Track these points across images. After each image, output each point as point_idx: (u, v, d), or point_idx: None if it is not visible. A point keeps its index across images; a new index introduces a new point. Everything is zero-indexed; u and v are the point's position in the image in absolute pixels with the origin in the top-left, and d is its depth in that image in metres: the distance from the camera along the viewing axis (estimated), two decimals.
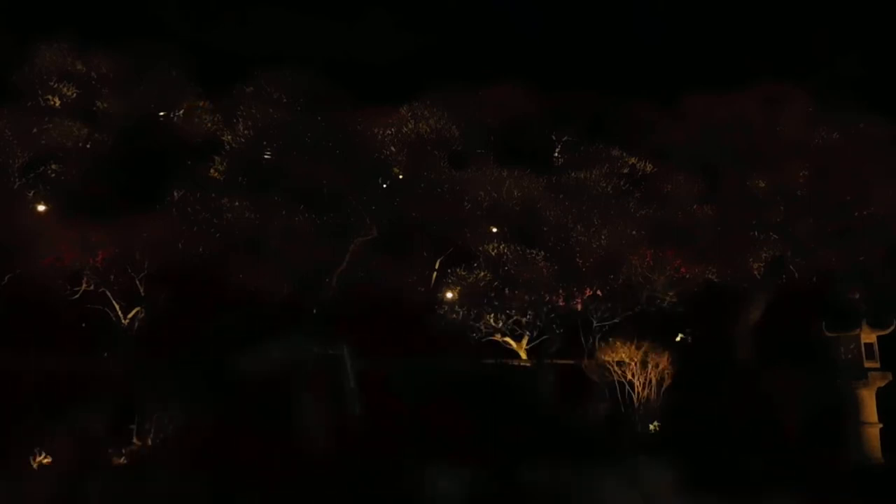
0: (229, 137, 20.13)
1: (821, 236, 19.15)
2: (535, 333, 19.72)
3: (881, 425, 17.57)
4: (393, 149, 20.10)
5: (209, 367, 16.10)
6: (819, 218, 19.24)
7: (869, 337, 17.75)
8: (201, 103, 21.03)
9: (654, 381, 17.43)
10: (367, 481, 13.56)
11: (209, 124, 20.92)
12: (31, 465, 13.44)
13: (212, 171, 19.74)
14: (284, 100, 20.37)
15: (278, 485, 13.28)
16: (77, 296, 17.44)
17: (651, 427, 17.41)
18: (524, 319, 19.32)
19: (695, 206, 19.87)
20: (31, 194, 18.82)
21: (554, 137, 24.40)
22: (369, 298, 18.85)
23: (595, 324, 19.52)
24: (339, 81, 20.99)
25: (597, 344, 19.01)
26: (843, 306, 19.06)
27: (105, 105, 20.42)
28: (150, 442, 14.65)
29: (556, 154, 24.30)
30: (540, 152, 23.63)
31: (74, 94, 20.25)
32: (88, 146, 19.73)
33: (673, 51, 34.73)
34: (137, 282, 17.70)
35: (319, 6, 32.85)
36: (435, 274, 21.14)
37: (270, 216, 18.29)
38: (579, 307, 19.56)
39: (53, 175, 19.26)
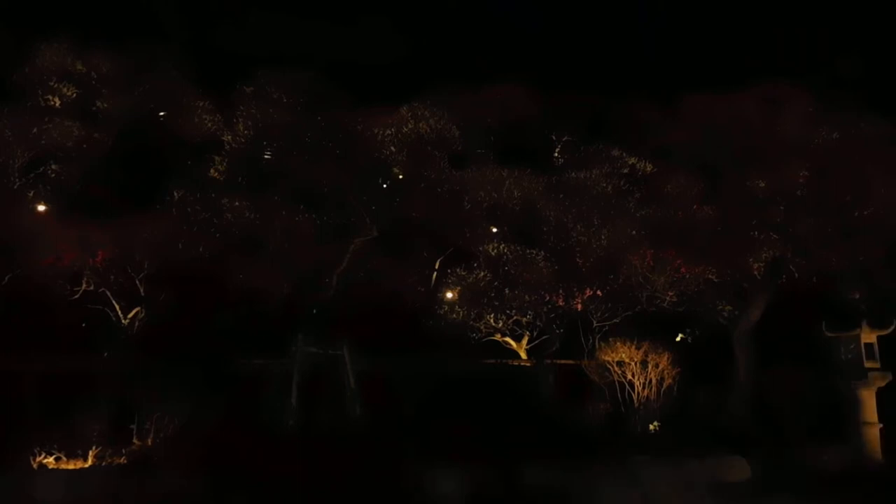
0: (229, 137, 20.08)
1: (821, 236, 19.10)
2: (535, 333, 19.73)
3: (881, 425, 17.61)
4: (393, 149, 20.05)
5: (209, 366, 16.11)
6: (819, 218, 19.19)
7: (869, 337, 17.78)
8: (201, 103, 20.94)
9: (654, 381, 17.45)
10: (368, 481, 13.55)
11: (209, 124, 20.84)
12: (31, 465, 13.42)
13: (212, 171, 19.69)
14: (284, 100, 20.27)
15: (279, 484, 13.28)
16: (77, 296, 17.44)
17: (651, 427, 17.42)
18: (524, 319, 19.32)
19: (695, 206, 19.82)
20: (31, 194, 18.78)
21: (554, 137, 24.35)
22: (369, 298, 18.84)
23: (595, 324, 19.54)
24: (339, 82, 20.91)
25: (597, 344, 19.04)
26: (844, 306, 19.07)
27: (105, 105, 20.34)
28: (150, 442, 14.67)
29: (556, 154, 24.25)
30: (540, 152, 23.58)
31: (74, 94, 20.16)
32: (88, 146, 19.69)
33: (673, 51, 34.79)
34: (137, 282, 17.70)
35: (319, 7, 32.86)
36: (435, 274, 21.12)
37: (270, 216, 18.26)
38: (579, 307, 19.56)
39: (53, 175, 19.21)
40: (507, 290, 18.85)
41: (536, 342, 19.83)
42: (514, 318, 19.20)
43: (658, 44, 38.90)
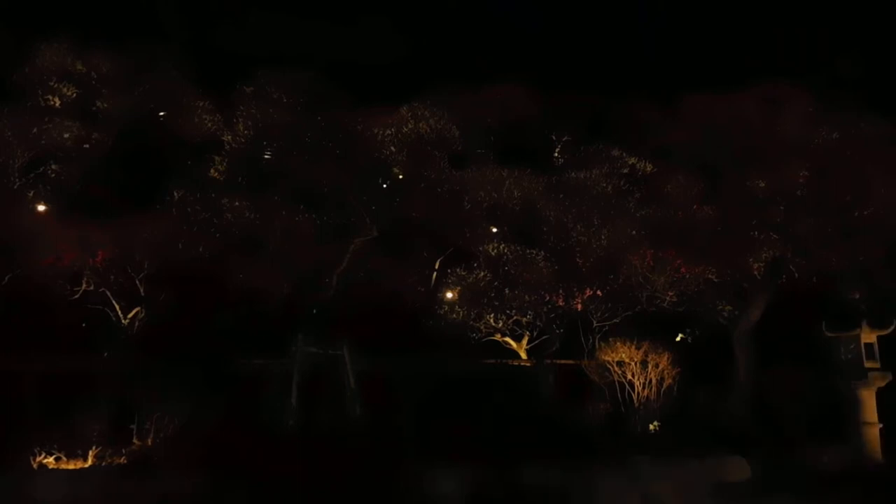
0: (229, 137, 20.08)
1: (821, 236, 19.11)
2: (535, 333, 19.72)
3: (881, 425, 17.61)
4: (393, 149, 20.05)
5: (209, 366, 16.11)
6: (819, 218, 19.19)
7: (869, 337, 17.79)
8: (201, 103, 20.94)
9: (654, 381, 17.45)
10: (368, 481, 13.56)
11: (209, 124, 20.84)
12: (31, 465, 13.42)
13: (212, 171, 19.70)
14: (284, 100, 20.27)
15: (279, 484, 13.28)
16: (77, 296, 17.44)
17: (651, 427, 17.42)
18: (524, 319, 19.32)
19: (695, 206, 19.82)
20: (31, 194, 18.78)
21: (554, 137, 24.36)
22: (369, 298, 18.84)
23: (595, 324, 19.54)
24: (339, 82, 20.91)
25: (597, 344, 19.03)
26: (844, 306, 19.07)
27: (105, 105, 20.34)
28: (150, 442, 14.67)
29: (556, 154, 24.25)
30: (540, 152, 23.58)
31: (74, 94, 20.16)
32: (88, 146, 19.69)
33: (673, 51, 34.78)
34: (137, 282, 17.70)
35: (319, 7, 32.86)
36: (435, 274, 21.12)
37: (270, 216, 18.27)
38: (579, 307, 19.56)
39: (53, 175, 19.22)
40: (507, 290, 18.85)
41: (536, 342, 19.83)
42: (514, 318, 19.20)
43: (658, 44, 38.90)
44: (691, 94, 21.03)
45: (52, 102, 19.92)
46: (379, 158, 19.86)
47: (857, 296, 19.43)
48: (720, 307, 19.72)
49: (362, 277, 19.30)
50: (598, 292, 19.48)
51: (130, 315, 17.90)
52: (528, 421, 16.63)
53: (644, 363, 17.52)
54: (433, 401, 16.61)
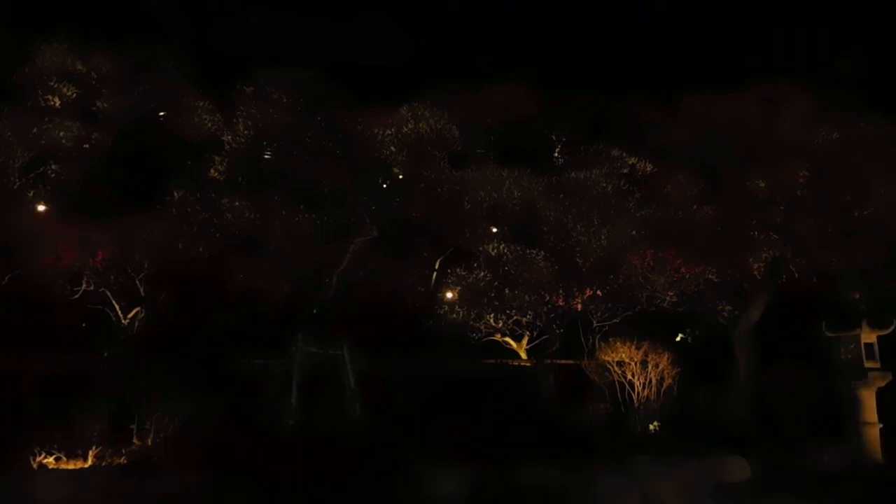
0: (229, 137, 20.08)
1: (821, 236, 19.12)
2: (535, 333, 19.73)
3: (881, 425, 17.62)
4: (393, 149, 20.05)
5: (209, 366, 16.11)
6: (819, 218, 19.20)
7: (869, 337, 17.80)
8: (201, 103, 20.94)
9: (654, 381, 17.45)
10: (368, 481, 13.56)
11: (209, 124, 20.84)
12: (31, 465, 13.42)
13: (212, 171, 19.70)
14: (284, 100, 20.27)
15: (279, 484, 13.28)
16: (77, 296, 17.44)
17: (651, 427, 17.42)
18: (524, 319, 19.32)
19: (695, 206, 19.82)
20: (31, 194, 18.78)
21: (554, 137, 24.36)
22: (369, 298, 18.85)
23: (595, 324, 19.54)
24: (339, 82, 20.91)
25: (597, 344, 19.04)
26: (844, 306, 19.07)
27: (105, 105, 20.34)
28: (150, 442, 14.67)
29: (556, 154, 24.25)
30: (540, 152, 23.58)
31: (74, 94, 20.16)
32: (88, 146, 19.70)
33: (673, 51, 34.80)
34: (137, 282, 17.71)
35: (319, 7, 32.87)
36: (435, 274, 21.13)
37: (270, 216, 18.28)
38: (579, 307, 19.56)
39: (53, 175, 19.22)
40: (507, 290, 18.85)
41: (536, 342, 19.83)
42: (514, 318, 19.20)
43: (658, 44, 38.93)
44: (691, 94, 21.03)
45: (52, 102, 19.92)
46: (379, 158, 19.86)
47: (857, 296, 19.43)
48: (720, 307, 19.72)
49: (362, 277, 19.31)
50: (598, 292, 19.48)
51: (130, 315, 17.91)
52: (528, 421, 16.64)
53: (644, 363, 17.52)
54: (433, 401, 16.61)
